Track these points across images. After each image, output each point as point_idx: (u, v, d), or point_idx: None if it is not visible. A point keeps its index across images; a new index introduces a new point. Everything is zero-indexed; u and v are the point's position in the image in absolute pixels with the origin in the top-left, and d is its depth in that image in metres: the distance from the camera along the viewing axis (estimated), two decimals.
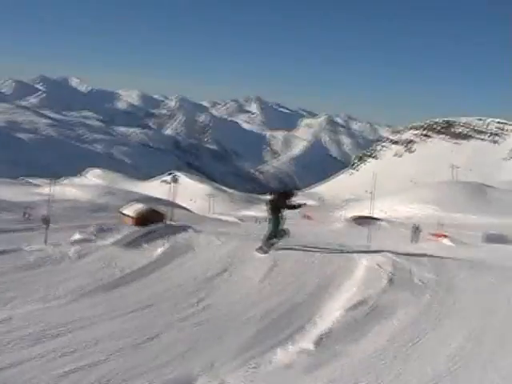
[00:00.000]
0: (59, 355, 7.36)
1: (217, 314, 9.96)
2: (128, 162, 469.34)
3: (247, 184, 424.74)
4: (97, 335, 8.06)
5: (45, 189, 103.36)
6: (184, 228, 19.62)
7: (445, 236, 45.68)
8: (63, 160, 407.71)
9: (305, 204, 15.97)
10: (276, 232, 14.60)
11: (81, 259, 14.57)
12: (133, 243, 16.75)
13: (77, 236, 17.65)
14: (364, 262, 12.97)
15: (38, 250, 14.68)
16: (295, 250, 14.36)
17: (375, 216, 71.61)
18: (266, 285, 12.09)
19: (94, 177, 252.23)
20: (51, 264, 13.50)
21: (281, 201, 14.45)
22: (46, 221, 36.33)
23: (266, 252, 14.78)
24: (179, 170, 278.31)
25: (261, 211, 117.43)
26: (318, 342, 7.78)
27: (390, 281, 11.29)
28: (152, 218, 58.03)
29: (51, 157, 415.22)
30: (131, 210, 61.10)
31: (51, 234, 20.26)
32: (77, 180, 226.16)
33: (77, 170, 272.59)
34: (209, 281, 12.47)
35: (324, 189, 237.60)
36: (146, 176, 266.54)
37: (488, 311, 8.80)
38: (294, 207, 14.69)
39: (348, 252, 14.77)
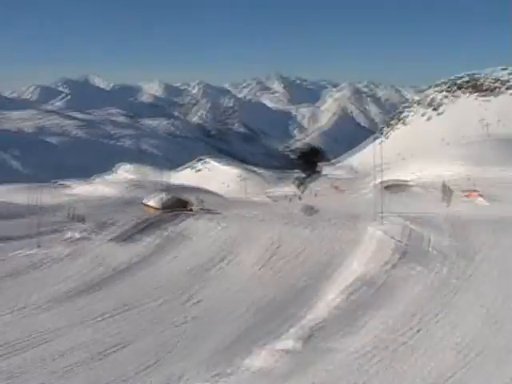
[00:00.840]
0: (5, 378, 6.40)
1: (206, 310, 8.98)
2: (158, 153, 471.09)
3: (278, 162, 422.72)
4: (60, 348, 7.14)
5: (74, 190, 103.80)
6: (184, 215, 18.77)
7: (477, 194, 44.11)
8: (94, 159, 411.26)
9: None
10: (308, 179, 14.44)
11: (73, 261, 13.79)
12: (131, 237, 15.97)
13: (75, 235, 16.91)
14: (377, 234, 11.82)
15: (31, 254, 13.88)
16: (304, 227, 13.32)
17: (405, 180, 70.06)
18: (267, 271, 11.08)
19: (124, 172, 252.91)
20: (40, 268, 12.68)
21: (310, 156, 14.36)
22: (82, 219, 37.27)
23: (296, 194, 14.77)
24: (209, 155, 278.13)
25: (292, 188, 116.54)
26: (307, 338, 6.68)
27: (403, 253, 10.09)
28: (176, 206, 57.50)
29: (82, 157, 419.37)
30: (154, 200, 60.62)
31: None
32: (108, 177, 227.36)
33: (108, 168, 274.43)
34: (204, 272, 11.52)
35: (355, 159, 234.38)
36: (177, 166, 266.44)
37: (511, 284, 7.58)
38: (315, 166, 14.56)
39: (363, 222, 13.61)
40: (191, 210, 59.44)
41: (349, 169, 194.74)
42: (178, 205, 57.84)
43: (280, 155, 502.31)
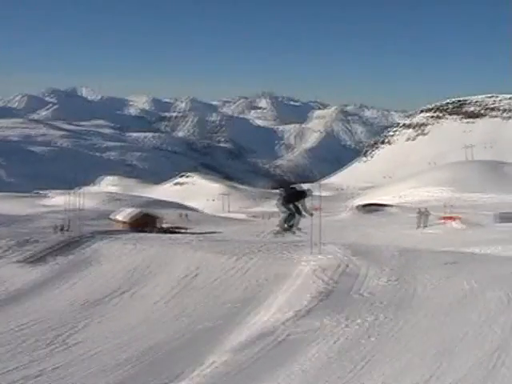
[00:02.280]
0: None
1: (77, 358, 7.25)
2: (143, 167, 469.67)
3: (264, 180, 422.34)
4: None
5: (51, 200, 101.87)
6: (101, 236, 17.24)
7: (455, 218, 42.97)
8: (79, 170, 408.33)
9: (309, 190, 14.50)
10: (288, 220, 13.28)
11: None
12: (42, 258, 14.27)
13: None
14: (304, 268, 10.16)
15: None
16: (229, 254, 11.71)
17: (383, 203, 69.04)
18: (172, 307, 9.34)
19: (108, 184, 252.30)
20: None
21: (292, 197, 13.15)
22: (61, 228, 36.65)
23: (278, 232, 13.94)
24: (194, 171, 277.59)
25: (274, 206, 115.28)
26: None
27: (325, 296, 8.31)
28: (144, 222, 55.71)
29: (67, 168, 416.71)
30: (122, 215, 58.81)
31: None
32: (91, 189, 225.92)
33: (93, 179, 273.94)
34: (99, 305, 9.77)
35: (339, 179, 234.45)
36: (162, 180, 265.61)
37: (447, 347, 5.66)
38: (302, 196, 13.40)
39: (301, 251, 12.02)
40: (156, 227, 57.58)
41: (333, 189, 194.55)
42: (147, 221, 56.11)
43: (266, 173, 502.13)
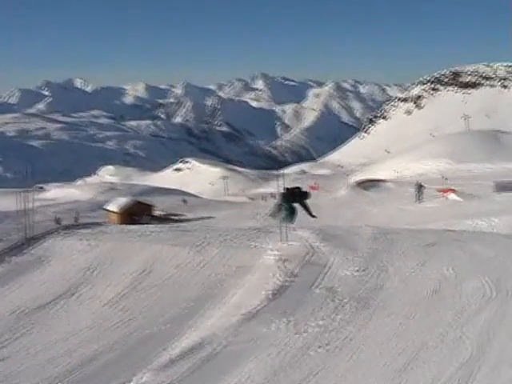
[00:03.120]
0: None
1: None
2: (142, 154, 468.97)
3: (263, 161, 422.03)
4: None
5: (48, 194, 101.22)
6: (55, 232, 16.40)
7: (452, 191, 42.21)
8: (79, 162, 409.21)
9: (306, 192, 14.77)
10: (285, 215, 13.09)
11: None
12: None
13: None
14: (268, 259, 9.26)
15: None
16: (188, 246, 10.83)
17: (380, 178, 68.16)
18: (116, 311, 8.49)
19: (107, 174, 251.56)
20: None
21: (294, 197, 13.00)
22: (58, 221, 35.90)
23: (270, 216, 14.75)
24: (193, 156, 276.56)
25: (274, 188, 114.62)
26: None
27: (278, 292, 7.33)
28: (138, 211, 54.67)
29: (66, 160, 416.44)
30: (115, 205, 57.71)
31: None
32: (89, 180, 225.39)
33: (92, 170, 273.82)
34: (38, 312, 8.93)
35: (338, 156, 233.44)
36: (161, 167, 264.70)
37: (409, 359, 4.66)
38: (302, 197, 13.43)
39: (266, 238, 11.19)
40: (149, 216, 56.67)
41: (331, 166, 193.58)
42: (139, 209, 55.10)
43: (265, 154, 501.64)
